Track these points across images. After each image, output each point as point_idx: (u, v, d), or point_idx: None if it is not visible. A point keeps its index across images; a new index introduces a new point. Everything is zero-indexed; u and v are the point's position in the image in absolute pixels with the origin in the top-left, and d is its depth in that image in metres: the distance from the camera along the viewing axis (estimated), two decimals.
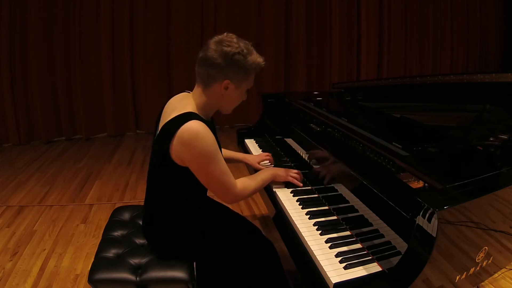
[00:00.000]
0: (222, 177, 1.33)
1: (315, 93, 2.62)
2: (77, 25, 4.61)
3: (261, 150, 2.16)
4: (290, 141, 2.01)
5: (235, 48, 1.28)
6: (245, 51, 1.30)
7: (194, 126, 1.24)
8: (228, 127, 5.32)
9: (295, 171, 1.64)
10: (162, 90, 4.98)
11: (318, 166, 1.63)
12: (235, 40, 1.31)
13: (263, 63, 1.36)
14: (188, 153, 1.26)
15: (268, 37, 5.27)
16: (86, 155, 4.28)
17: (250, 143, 2.28)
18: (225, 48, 1.28)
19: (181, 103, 1.39)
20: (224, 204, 1.45)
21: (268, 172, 1.59)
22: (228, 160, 1.85)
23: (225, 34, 1.34)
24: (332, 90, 2.93)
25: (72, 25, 4.59)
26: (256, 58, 1.34)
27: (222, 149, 1.81)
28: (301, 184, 1.60)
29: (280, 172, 1.62)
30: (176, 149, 1.26)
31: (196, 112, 1.34)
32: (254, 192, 1.50)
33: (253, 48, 1.35)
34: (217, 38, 1.32)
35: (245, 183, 1.45)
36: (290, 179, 1.60)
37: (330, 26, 5.42)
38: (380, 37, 5.63)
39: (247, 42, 1.34)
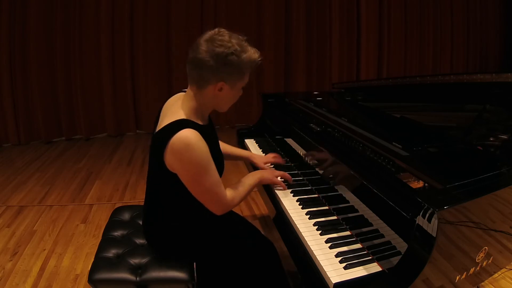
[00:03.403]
0: (213, 189, 1.30)
1: (315, 93, 2.62)
2: (77, 25, 4.61)
3: (261, 150, 2.16)
4: (290, 141, 2.01)
5: (227, 48, 1.20)
6: (239, 49, 1.21)
7: (185, 135, 1.19)
8: (228, 127, 5.31)
9: (281, 172, 1.64)
10: (162, 90, 4.98)
11: (318, 166, 1.63)
12: (227, 38, 1.22)
13: (260, 59, 1.28)
14: (179, 164, 1.23)
15: (268, 37, 5.26)
16: (86, 155, 4.28)
17: (250, 143, 2.28)
18: (217, 49, 1.20)
19: (174, 106, 1.34)
20: (215, 214, 1.38)
21: (254, 176, 1.56)
22: (234, 158, 1.86)
23: (216, 30, 1.25)
24: (332, 90, 2.93)
25: (72, 25, 4.59)
26: (251, 55, 1.25)
27: (228, 146, 1.82)
28: (285, 187, 1.60)
29: (266, 174, 1.60)
30: (168, 158, 1.23)
31: (190, 116, 1.29)
32: (243, 199, 1.47)
33: (247, 44, 1.26)
34: (207, 36, 1.23)
35: (234, 192, 1.42)
36: (276, 181, 1.60)
37: (330, 26, 5.42)
38: (380, 37, 5.62)
39: (240, 37, 1.25)
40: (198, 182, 1.27)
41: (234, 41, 1.22)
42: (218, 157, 1.39)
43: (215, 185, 1.30)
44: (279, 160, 1.85)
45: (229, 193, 1.39)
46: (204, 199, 1.33)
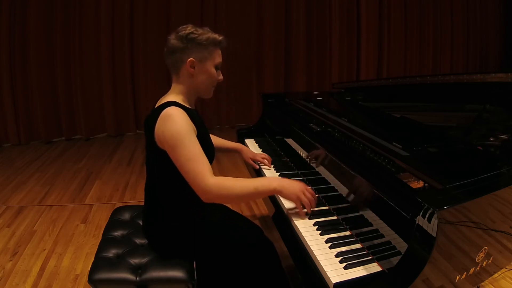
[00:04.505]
0: (189, 163, 1.26)
1: (315, 93, 2.62)
2: (77, 25, 4.61)
3: (261, 150, 2.16)
4: (290, 141, 2.01)
5: (188, 30, 1.40)
6: (198, 29, 1.41)
7: (170, 109, 1.32)
8: (228, 127, 5.31)
9: (312, 194, 1.36)
10: (162, 90, 4.87)
11: (318, 166, 1.63)
12: (189, 26, 1.43)
13: (220, 37, 1.44)
14: (162, 135, 1.30)
15: (268, 37, 5.27)
16: (86, 155, 4.28)
17: (250, 143, 2.28)
18: (181, 33, 1.41)
19: (163, 98, 1.47)
20: (202, 200, 1.29)
21: (268, 181, 1.36)
22: (224, 150, 1.92)
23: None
24: (332, 90, 2.93)
25: (72, 25, 4.59)
26: (210, 34, 1.42)
27: (218, 138, 1.87)
28: (304, 215, 1.36)
29: (292, 185, 1.33)
30: (156, 134, 1.33)
31: (178, 101, 1.40)
32: (237, 196, 1.30)
33: (209, 30, 1.44)
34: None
35: (226, 181, 1.28)
36: (304, 199, 1.33)
37: (330, 26, 5.43)
38: (380, 37, 5.63)
39: (204, 27, 1.45)
40: (176, 155, 1.28)
41: (196, 27, 1.43)
42: (208, 142, 1.47)
43: (191, 160, 1.27)
44: (267, 163, 1.89)
45: (218, 178, 1.27)
46: (185, 176, 1.29)
